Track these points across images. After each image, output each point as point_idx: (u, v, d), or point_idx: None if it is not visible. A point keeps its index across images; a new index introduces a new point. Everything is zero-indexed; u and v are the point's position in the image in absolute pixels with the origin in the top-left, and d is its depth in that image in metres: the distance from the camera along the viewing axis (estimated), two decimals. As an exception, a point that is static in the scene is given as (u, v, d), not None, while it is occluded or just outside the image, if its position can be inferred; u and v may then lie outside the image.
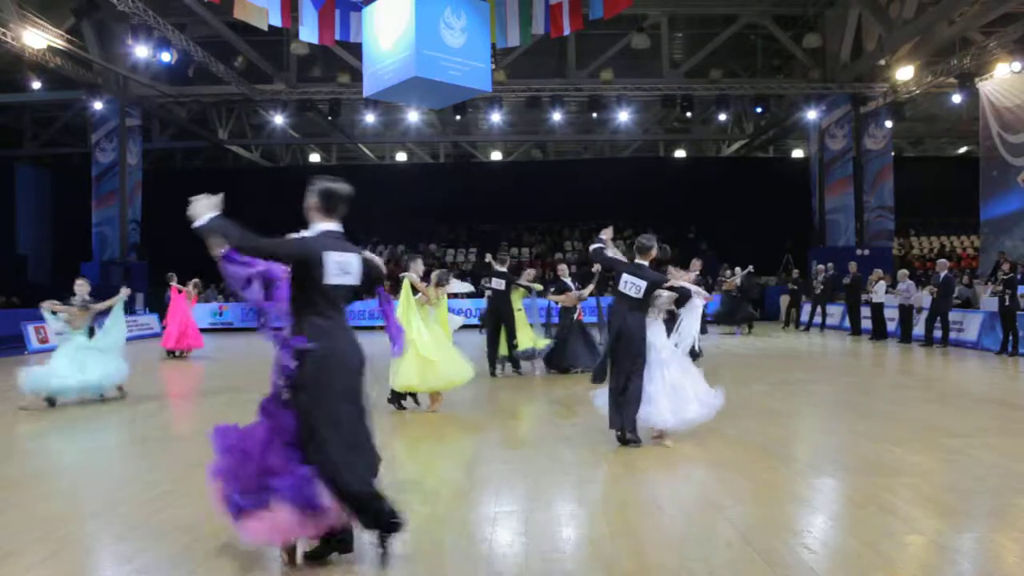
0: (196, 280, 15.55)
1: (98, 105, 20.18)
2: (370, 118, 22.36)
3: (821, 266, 18.44)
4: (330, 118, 21.93)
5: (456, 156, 31.24)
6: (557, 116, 21.07)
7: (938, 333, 13.63)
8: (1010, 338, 12.06)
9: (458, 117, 22.02)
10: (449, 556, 3.62)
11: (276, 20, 9.00)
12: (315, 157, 31.29)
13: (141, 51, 16.13)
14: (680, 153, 30.31)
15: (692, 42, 22.18)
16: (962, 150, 29.59)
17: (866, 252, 20.90)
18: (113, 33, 19.29)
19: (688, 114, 22.02)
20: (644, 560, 3.51)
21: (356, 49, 10.74)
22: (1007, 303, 11.98)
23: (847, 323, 17.17)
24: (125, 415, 7.77)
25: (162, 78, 20.54)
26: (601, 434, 6.37)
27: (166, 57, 16.43)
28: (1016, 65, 16.50)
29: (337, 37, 9.36)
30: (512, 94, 20.81)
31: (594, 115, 21.22)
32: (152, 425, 7.23)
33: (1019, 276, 13.02)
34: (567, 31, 9.56)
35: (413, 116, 23.41)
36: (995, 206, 19.36)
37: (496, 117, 21.49)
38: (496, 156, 30.84)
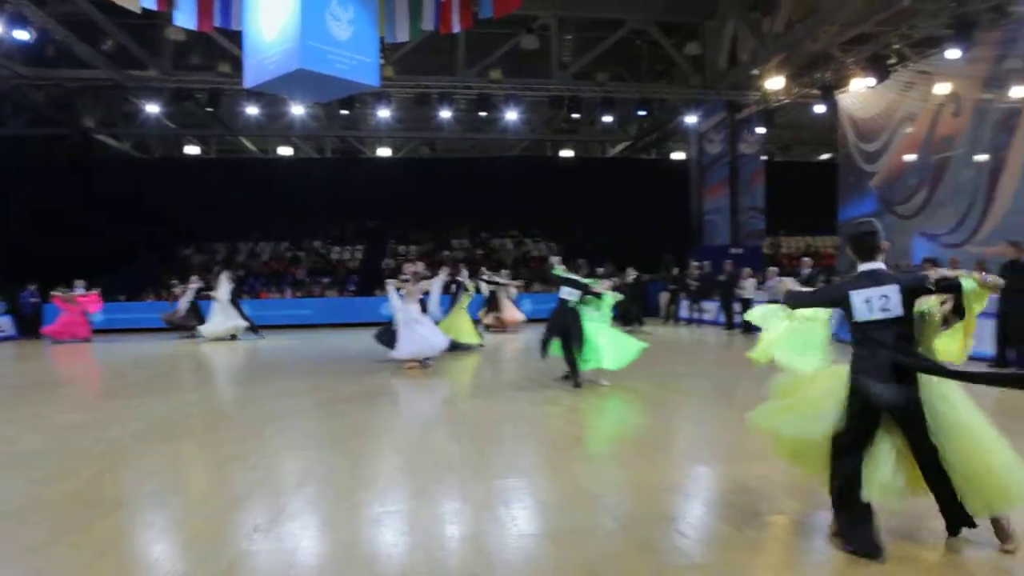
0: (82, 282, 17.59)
1: (-61, 86, 18.40)
2: (252, 110, 21.51)
3: (695, 263, 19.51)
4: (209, 109, 20.95)
5: (343, 152, 30.60)
6: (446, 114, 21.00)
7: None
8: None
9: (345, 112, 21.58)
10: (330, 559, 3.56)
11: (150, 2, 8.50)
12: (194, 149, 29.82)
13: (-8, 28, 14.82)
14: (567, 153, 30.95)
15: (580, 45, 22.67)
16: (825, 156, 31.75)
17: (740, 251, 22.08)
18: (-41, 7, 17.61)
19: (575, 115, 22.48)
20: (526, 554, 3.57)
21: (237, 37, 10.32)
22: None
23: (723, 318, 18.09)
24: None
25: (16, 58, 18.93)
26: (485, 431, 6.44)
27: (22, 35, 15.16)
28: (870, 80, 17.87)
29: (217, 24, 8.91)
30: (401, 90, 20.58)
31: (483, 114, 21.31)
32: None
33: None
34: (457, 29, 9.52)
35: (298, 109, 22.70)
36: (852, 209, 20.94)
37: (384, 113, 21.17)
38: (384, 152, 30.43)
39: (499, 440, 6.11)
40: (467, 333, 13.41)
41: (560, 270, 9.44)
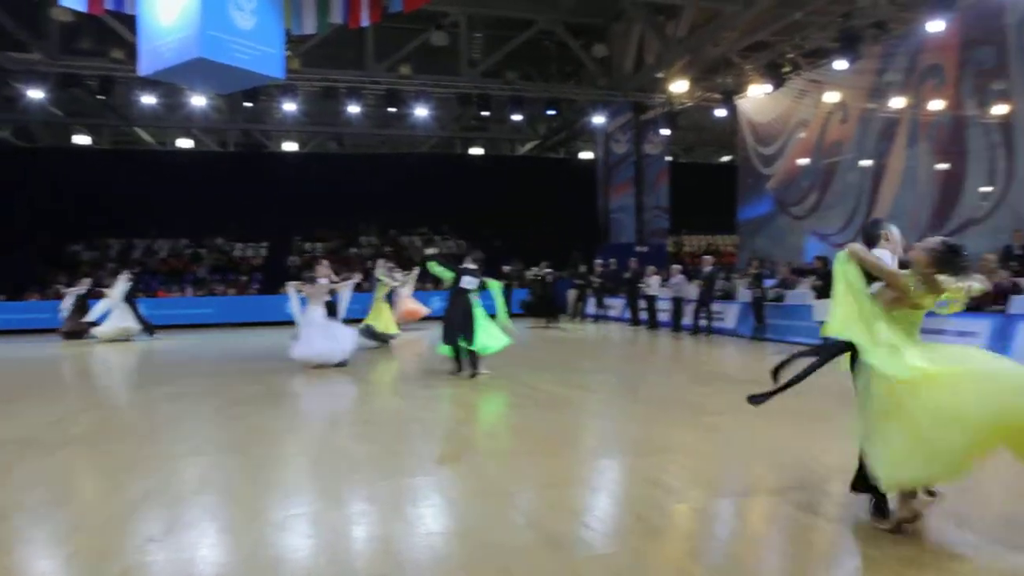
0: None
1: None
2: (148, 99, 20.47)
3: (599, 261, 20.11)
4: (101, 96, 19.79)
5: (246, 145, 29.59)
6: (354, 108, 20.63)
7: (704, 321, 15.16)
8: (759, 325, 13.76)
9: (249, 104, 20.86)
10: (231, 567, 3.44)
11: (31, -18, 7.96)
12: (84, 139, 28.10)
13: None
14: (477, 151, 30.98)
15: (490, 43, 22.72)
16: (726, 159, 33.04)
17: (645, 249, 22.72)
18: None
19: (485, 113, 22.51)
20: (434, 552, 3.56)
21: (131, 21, 9.79)
22: (757, 294, 13.64)
23: (628, 314, 18.57)
24: None
25: None
26: (392, 430, 6.39)
27: None
28: (767, 87, 18.72)
29: (108, 7, 8.43)
30: (307, 83, 20.10)
31: (392, 110, 21.05)
32: None
33: (766, 271, 14.83)
34: (365, 22, 9.35)
35: (198, 100, 21.77)
36: (750, 209, 21.91)
37: (290, 106, 20.60)
38: (290, 147, 29.61)
39: (406, 439, 6.06)
40: (387, 324, 13.43)
41: (434, 261, 9.69)
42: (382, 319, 13.46)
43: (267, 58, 7.28)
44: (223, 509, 4.31)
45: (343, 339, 10.34)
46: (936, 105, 15.69)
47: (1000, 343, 9.24)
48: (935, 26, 14.06)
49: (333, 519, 4.07)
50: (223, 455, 5.62)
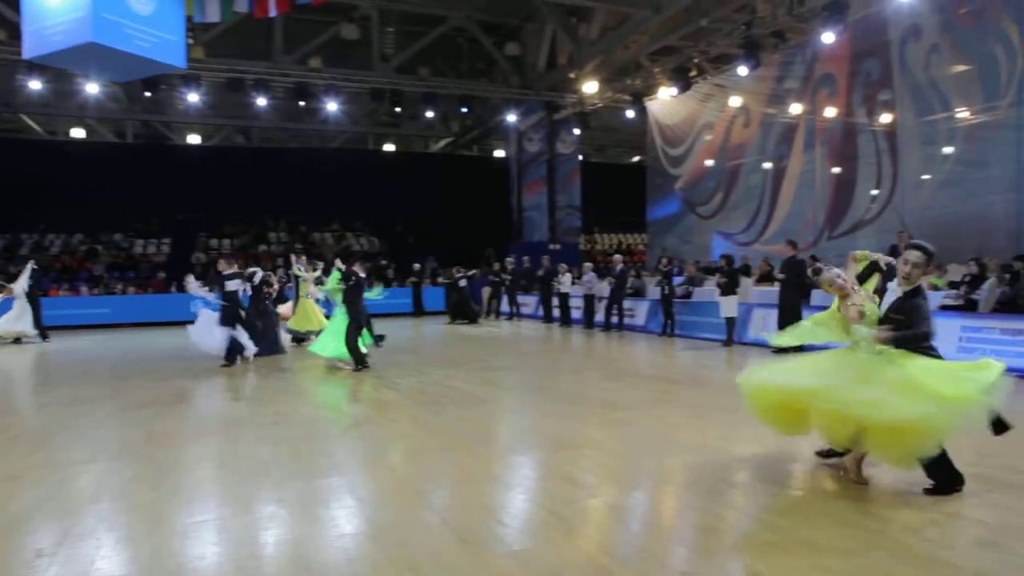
0: None
1: None
2: (35, 84, 19.19)
3: (510, 259, 20.39)
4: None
5: (147, 137, 28.23)
6: (262, 101, 19.96)
7: (616, 318, 15.49)
8: (668, 321, 14.15)
9: (148, 94, 19.88)
10: (130, 578, 3.29)
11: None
12: (-39, 126, 26.14)
13: None
14: (389, 147, 30.59)
15: (402, 38, 22.48)
16: (636, 159, 33.87)
17: (558, 247, 23.02)
18: None
19: (397, 109, 22.25)
20: (346, 554, 3.50)
21: (14, 1, 9.18)
22: (666, 292, 14.02)
23: (541, 312, 18.77)
24: None
25: None
26: (300, 431, 6.25)
27: None
28: (674, 90, 19.29)
29: (-13, -15, 7.90)
30: (211, 74, 19.32)
31: (302, 103, 20.51)
32: None
33: (675, 269, 15.28)
34: (273, 13, 9.10)
35: (92, 87, 20.58)
36: (659, 209, 22.55)
37: (193, 97, 19.75)
38: (194, 139, 28.44)
39: (315, 440, 5.94)
40: (308, 321, 13.13)
41: (336, 278, 9.98)
42: (308, 318, 13.04)
43: (167, 45, 6.97)
44: (120, 518, 4.11)
45: (215, 337, 10.58)
46: (830, 112, 16.57)
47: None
48: (828, 38, 14.81)
49: (240, 524, 3.95)
50: (121, 461, 5.35)
